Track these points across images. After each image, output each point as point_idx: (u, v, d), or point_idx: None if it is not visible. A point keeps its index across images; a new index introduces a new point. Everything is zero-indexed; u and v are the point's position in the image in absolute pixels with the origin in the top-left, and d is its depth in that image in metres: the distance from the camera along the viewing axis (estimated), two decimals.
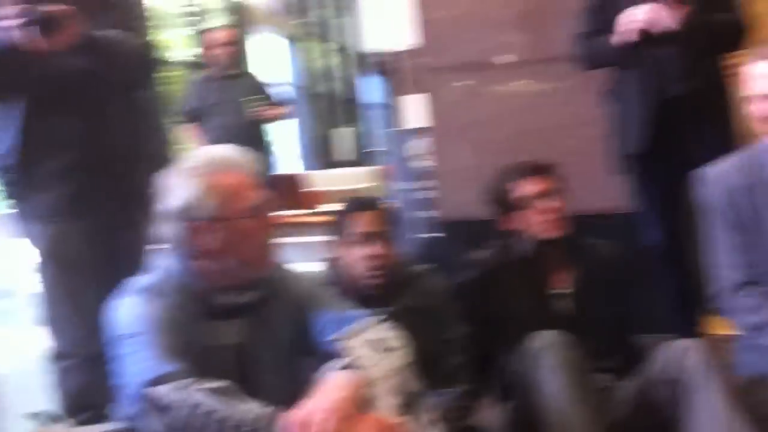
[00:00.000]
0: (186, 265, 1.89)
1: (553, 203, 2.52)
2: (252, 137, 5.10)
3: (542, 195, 2.52)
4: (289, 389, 1.88)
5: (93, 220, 2.59)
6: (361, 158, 8.76)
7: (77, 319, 2.56)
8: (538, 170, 2.57)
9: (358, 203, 2.48)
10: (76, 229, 2.58)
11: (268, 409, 1.64)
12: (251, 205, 1.88)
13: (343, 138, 9.25)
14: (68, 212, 2.58)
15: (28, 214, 2.65)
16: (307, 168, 8.34)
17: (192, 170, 1.88)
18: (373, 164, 6.98)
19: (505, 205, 2.58)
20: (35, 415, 2.59)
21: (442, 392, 2.23)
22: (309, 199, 6.05)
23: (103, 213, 2.61)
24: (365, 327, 1.83)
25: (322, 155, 8.94)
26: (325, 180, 6.67)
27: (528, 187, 2.54)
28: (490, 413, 2.47)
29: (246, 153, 1.94)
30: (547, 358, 2.18)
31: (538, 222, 2.51)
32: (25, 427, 2.31)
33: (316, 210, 5.79)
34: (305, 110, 8.93)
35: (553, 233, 2.50)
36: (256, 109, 5.31)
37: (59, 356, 2.60)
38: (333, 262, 2.44)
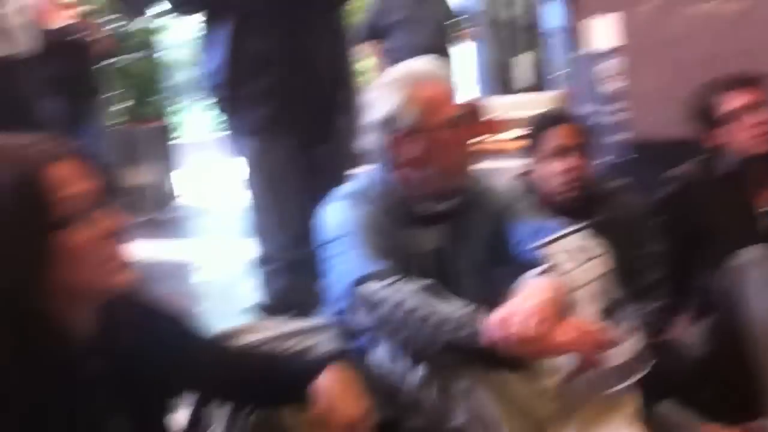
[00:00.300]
0: (389, 174, 1.95)
1: (762, 116, 2.39)
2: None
3: (750, 108, 2.40)
4: (485, 296, 1.92)
5: (297, 136, 2.70)
6: (542, 84, 8.58)
7: (282, 226, 2.70)
8: (746, 82, 2.44)
9: (553, 117, 2.45)
10: (281, 143, 2.69)
11: (471, 309, 1.68)
12: (451, 116, 1.91)
13: (523, 64, 9.08)
14: (273, 128, 2.69)
15: (237, 130, 2.79)
16: (484, 94, 8.26)
17: (395, 83, 1.93)
18: (554, 90, 6.83)
19: (710, 120, 2.47)
20: (248, 309, 2.76)
21: (640, 306, 2.20)
22: (489, 126, 6.00)
23: (306, 128, 2.71)
24: (566, 235, 1.83)
25: (501, 81, 8.81)
26: (506, 106, 6.59)
27: (735, 100, 2.42)
28: (687, 329, 2.42)
29: (444, 65, 1.96)
30: (755, 274, 2.11)
31: (745, 136, 2.39)
32: (240, 320, 2.48)
33: (496, 137, 5.75)
34: (485, 35, 8.82)
35: (761, 148, 2.38)
36: (446, 30, 5.24)
37: (265, 260, 2.75)
38: (528, 177, 2.44)
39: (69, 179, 1.09)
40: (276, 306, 2.67)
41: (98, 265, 1.10)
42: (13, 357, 1.05)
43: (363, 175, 2.01)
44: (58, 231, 1.06)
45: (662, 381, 1.89)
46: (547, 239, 1.80)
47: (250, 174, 2.75)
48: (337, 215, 1.92)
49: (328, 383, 1.38)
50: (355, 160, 2.49)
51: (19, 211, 1.03)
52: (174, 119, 8.11)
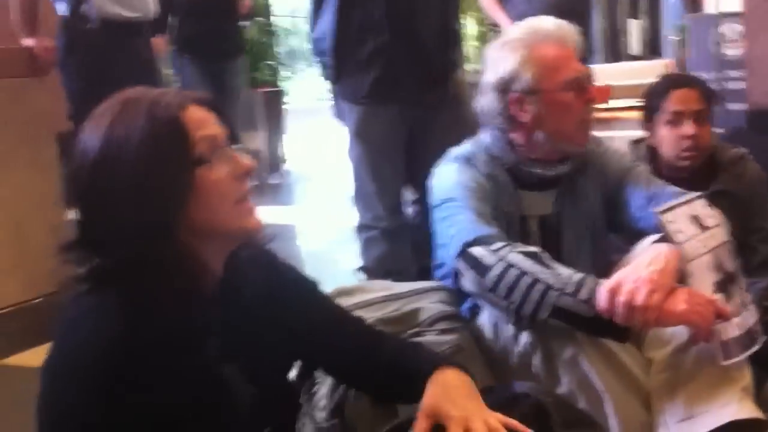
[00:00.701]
0: (503, 137, 1.93)
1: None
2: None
3: None
4: (598, 263, 1.90)
5: (399, 104, 2.71)
6: (656, 51, 8.32)
7: (379, 196, 2.74)
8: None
9: (675, 80, 2.39)
10: (383, 111, 2.72)
11: (582, 275, 1.66)
12: (571, 78, 1.87)
13: (634, 30, 8.82)
14: (376, 95, 2.71)
15: (341, 97, 2.82)
16: (596, 61, 8.06)
17: (514, 41, 1.90)
18: (666, 57, 6.62)
19: None
20: (359, 270, 2.81)
21: (754, 281, 2.13)
22: (603, 93, 5.85)
23: (412, 95, 2.71)
24: (686, 202, 1.78)
25: (611, 48, 8.59)
26: (616, 74, 6.41)
27: None
28: None
29: (569, 26, 1.92)
30: None
31: None
32: (353, 279, 2.54)
33: (608, 105, 5.62)
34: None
35: None
36: None
37: (362, 228, 2.80)
38: (645, 143, 2.39)
39: (204, 121, 1.16)
40: (375, 271, 2.71)
41: (233, 204, 1.16)
42: (151, 294, 1.10)
43: (477, 137, 2.00)
44: (198, 167, 1.12)
45: None
46: (666, 206, 1.75)
47: (351, 142, 2.79)
48: (447, 178, 1.92)
49: (441, 386, 1.32)
50: (468, 123, 2.47)
51: (164, 147, 1.10)
52: (286, 85, 8.23)
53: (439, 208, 1.88)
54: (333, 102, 2.91)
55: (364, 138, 2.76)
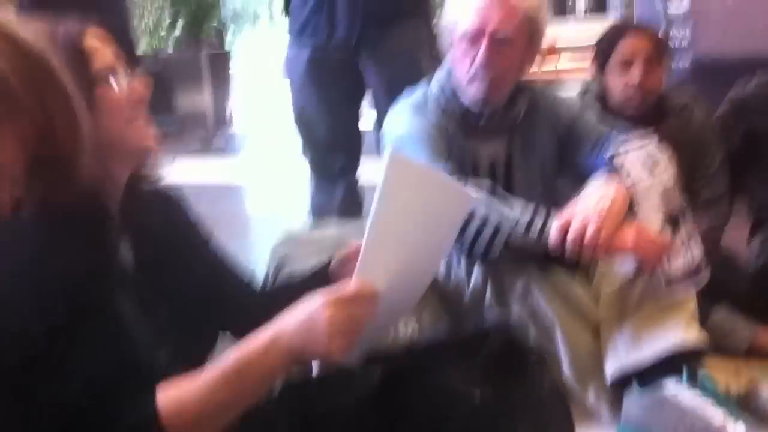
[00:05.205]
0: (450, 82, 1.94)
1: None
2: None
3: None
4: (550, 206, 1.93)
5: (332, 43, 2.60)
6: (598, 8, 8.35)
7: (320, 137, 2.71)
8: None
9: (626, 28, 2.40)
10: (309, 50, 2.64)
11: (530, 212, 1.70)
12: (499, 29, 1.86)
13: None
14: (303, 34, 2.64)
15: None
16: None
17: None
18: (612, 13, 6.65)
19: None
20: (303, 219, 2.81)
21: (700, 218, 2.19)
22: (548, 51, 5.86)
23: (348, 35, 2.59)
24: (635, 144, 1.82)
25: (557, 5, 8.59)
26: (565, 31, 6.41)
27: None
28: (745, 241, 2.45)
29: None
30: None
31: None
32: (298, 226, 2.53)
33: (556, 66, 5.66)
34: None
35: None
36: None
37: (313, 172, 2.80)
38: (596, 87, 2.41)
39: (102, 44, 1.19)
40: (327, 215, 2.70)
41: (132, 123, 1.19)
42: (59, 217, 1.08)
43: (431, 82, 2.01)
44: (98, 85, 1.15)
45: (718, 289, 1.91)
46: (618, 148, 1.80)
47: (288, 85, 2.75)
48: (401, 122, 1.93)
49: None
50: (419, 66, 2.45)
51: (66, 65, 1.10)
52: (232, 47, 8.13)
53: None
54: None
55: (293, 78, 2.72)
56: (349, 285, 1.10)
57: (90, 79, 1.14)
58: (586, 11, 8.45)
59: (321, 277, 1.38)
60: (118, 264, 1.18)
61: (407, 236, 1.15)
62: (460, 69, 1.90)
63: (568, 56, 5.92)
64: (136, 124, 1.19)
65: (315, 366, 1.34)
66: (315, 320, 1.07)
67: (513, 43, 1.87)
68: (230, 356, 1.08)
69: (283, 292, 1.40)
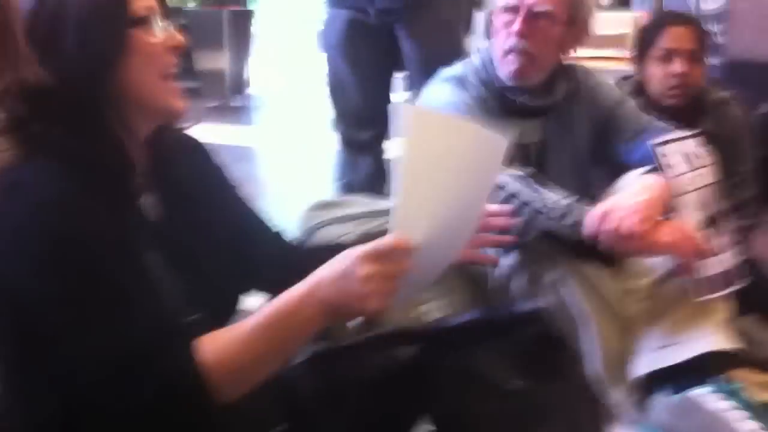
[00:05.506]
0: (491, 56, 1.90)
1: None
2: None
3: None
4: (583, 192, 1.89)
5: (371, 9, 2.58)
6: (622, 2, 8.26)
7: (354, 107, 2.68)
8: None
9: (672, 17, 2.37)
10: (347, 15, 2.61)
11: (567, 200, 1.66)
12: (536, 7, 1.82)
13: None
14: None
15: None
16: None
17: None
18: (637, 8, 6.57)
19: None
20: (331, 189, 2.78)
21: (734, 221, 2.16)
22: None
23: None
24: (678, 139, 1.78)
25: None
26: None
27: None
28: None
29: None
30: None
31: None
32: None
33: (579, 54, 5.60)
34: None
35: None
36: None
37: (342, 142, 2.77)
38: (636, 78, 2.37)
39: None
40: (355, 186, 2.67)
41: (162, 79, 1.14)
42: (83, 159, 1.08)
43: (472, 57, 1.97)
44: (135, 28, 1.11)
45: (744, 297, 1.85)
46: (661, 139, 1.75)
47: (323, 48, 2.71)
48: (439, 99, 1.89)
49: None
50: (458, 39, 2.41)
51: (104, 2, 1.10)
52: (256, 6, 8.03)
53: None
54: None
55: (328, 42, 2.68)
56: (385, 240, 1.07)
57: (130, 19, 1.11)
58: (609, 4, 8.35)
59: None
60: (143, 216, 1.15)
61: (441, 187, 1.12)
62: (498, 42, 1.87)
63: (591, 46, 5.88)
64: (168, 82, 1.15)
65: (353, 322, 1.31)
66: (350, 275, 1.05)
67: (552, 18, 1.83)
68: (266, 309, 1.06)
69: (318, 252, 1.36)
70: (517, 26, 1.82)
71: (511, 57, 1.85)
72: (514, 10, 1.83)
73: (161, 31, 1.14)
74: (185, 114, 1.19)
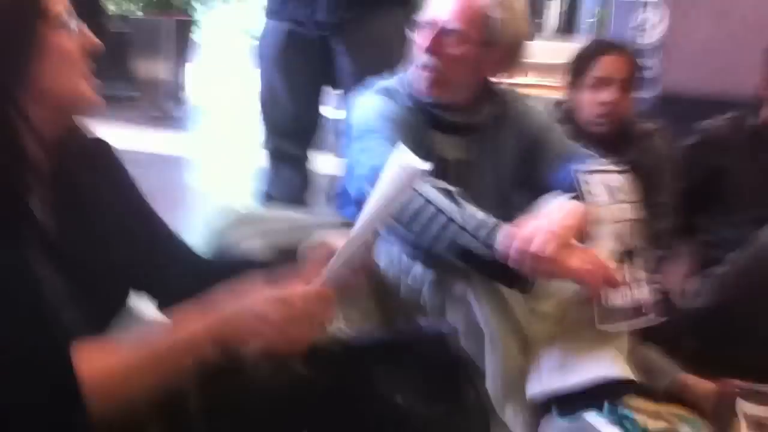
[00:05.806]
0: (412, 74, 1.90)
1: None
2: None
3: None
4: (503, 215, 1.87)
5: (307, 21, 2.54)
6: (572, 30, 8.40)
7: (281, 117, 2.64)
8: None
9: (606, 45, 2.36)
10: (284, 27, 2.59)
11: (491, 219, 1.65)
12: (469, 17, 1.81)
13: (550, 9, 8.88)
14: (281, 10, 2.59)
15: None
16: None
17: None
18: (584, 37, 6.68)
19: None
20: (252, 198, 2.73)
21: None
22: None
23: (323, 15, 2.53)
24: (604, 170, 1.78)
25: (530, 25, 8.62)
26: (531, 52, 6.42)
27: None
28: (688, 280, 2.40)
29: None
30: None
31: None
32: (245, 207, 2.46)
33: (521, 81, 5.65)
34: None
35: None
36: None
37: (267, 153, 2.72)
38: (564, 104, 2.37)
39: None
40: (277, 197, 2.64)
41: (76, 74, 1.13)
42: None
43: (401, 72, 1.96)
44: (47, 29, 1.09)
45: (653, 327, 1.83)
46: (587, 167, 1.76)
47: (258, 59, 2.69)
48: (368, 108, 1.88)
49: None
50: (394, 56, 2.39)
51: (14, 3, 1.08)
52: (200, 17, 7.96)
53: (359, 139, 1.84)
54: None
55: (263, 53, 2.66)
56: (314, 283, 1.11)
57: (40, 20, 1.09)
58: (555, 31, 8.49)
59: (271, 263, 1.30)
60: (32, 215, 1.11)
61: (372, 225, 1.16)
62: (414, 57, 1.89)
63: (534, 73, 5.95)
64: (83, 78, 1.14)
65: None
66: (253, 315, 1.05)
67: (463, 37, 1.82)
68: (156, 339, 1.05)
69: (223, 266, 1.36)
70: (425, 42, 1.83)
71: (421, 72, 1.85)
72: (429, 26, 1.83)
73: (77, 34, 1.13)
74: (95, 102, 1.16)
